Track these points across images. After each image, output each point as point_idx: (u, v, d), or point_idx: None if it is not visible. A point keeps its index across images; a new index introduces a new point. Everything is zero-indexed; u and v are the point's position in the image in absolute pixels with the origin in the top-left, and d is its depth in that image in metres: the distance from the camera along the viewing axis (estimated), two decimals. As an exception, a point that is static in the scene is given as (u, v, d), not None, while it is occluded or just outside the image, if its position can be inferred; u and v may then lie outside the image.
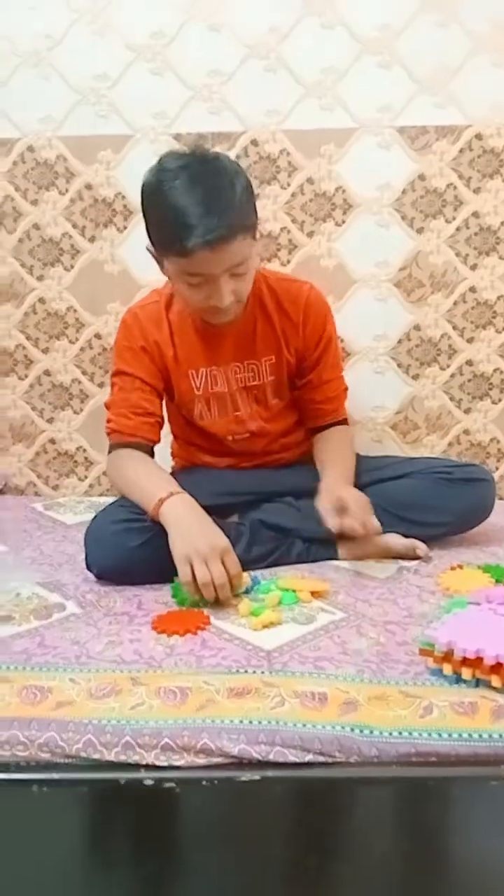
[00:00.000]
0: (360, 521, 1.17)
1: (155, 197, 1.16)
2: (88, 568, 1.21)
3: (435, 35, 1.55)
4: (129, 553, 1.17)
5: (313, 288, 1.38)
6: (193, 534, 1.12)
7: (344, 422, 1.43)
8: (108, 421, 1.32)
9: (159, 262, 1.22)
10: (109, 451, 1.32)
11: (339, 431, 1.41)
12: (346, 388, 1.44)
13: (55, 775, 0.84)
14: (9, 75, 1.60)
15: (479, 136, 1.58)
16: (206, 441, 1.39)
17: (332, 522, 1.17)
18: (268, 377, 1.36)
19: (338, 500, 1.19)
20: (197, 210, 1.10)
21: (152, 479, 1.23)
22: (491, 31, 1.55)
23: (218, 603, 1.10)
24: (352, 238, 1.63)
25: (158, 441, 1.33)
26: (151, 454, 1.31)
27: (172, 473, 1.47)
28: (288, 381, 1.38)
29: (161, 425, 1.34)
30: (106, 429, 1.33)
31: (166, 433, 1.69)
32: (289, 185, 1.60)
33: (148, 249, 1.23)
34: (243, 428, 1.37)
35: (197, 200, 1.11)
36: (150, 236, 1.21)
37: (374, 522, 1.19)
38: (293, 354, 1.36)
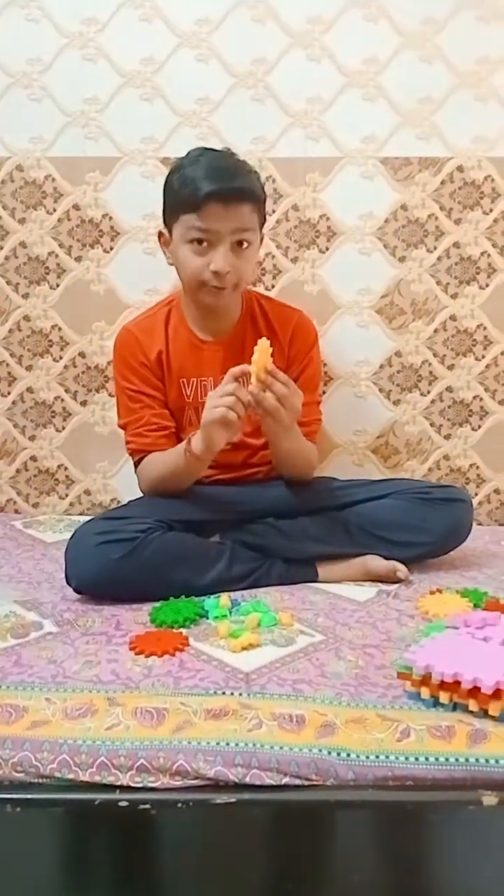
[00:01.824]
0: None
1: (176, 171, 1.29)
2: (68, 581, 1.21)
3: (419, 70, 1.59)
4: (110, 565, 1.17)
5: (304, 315, 1.45)
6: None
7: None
8: (128, 442, 1.38)
9: (166, 243, 1.33)
10: (135, 468, 1.38)
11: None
12: (319, 419, 1.45)
13: (29, 795, 0.83)
14: (-1, 96, 1.62)
15: (460, 169, 1.62)
16: None
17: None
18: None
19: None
20: (214, 171, 1.24)
21: (170, 452, 1.31)
22: (473, 66, 1.59)
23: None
24: (335, 265, 1.65)
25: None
26: None
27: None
28: None
29: (176, 433, 1.39)
30: (127, 449, 1.39)
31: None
32: (274, 211, 1.62)
33: (159, 235, 1.35)
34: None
35: (216, 165, 1.25)
36: (163, 214, 1.32)
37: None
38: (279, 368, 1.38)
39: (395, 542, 1.30)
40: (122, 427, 1.40)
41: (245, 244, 1.27)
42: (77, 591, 1.21)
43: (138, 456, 1.37)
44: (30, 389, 1.72)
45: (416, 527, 1.31)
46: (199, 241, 1.25)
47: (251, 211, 1.26)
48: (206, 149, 1.32)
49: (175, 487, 1.31)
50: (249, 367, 1.18)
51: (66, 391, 1.71)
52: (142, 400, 1.37)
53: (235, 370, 1.19)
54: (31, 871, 0.87)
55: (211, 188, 1.22)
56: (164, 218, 1.32)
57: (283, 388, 1.18)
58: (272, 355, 1.31)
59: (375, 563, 1.30)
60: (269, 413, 1.19)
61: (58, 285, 1.68)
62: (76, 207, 1.65)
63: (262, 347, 1.18)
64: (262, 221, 1.33)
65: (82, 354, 1.70)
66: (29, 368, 1.71)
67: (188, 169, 1.26)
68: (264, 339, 1.19)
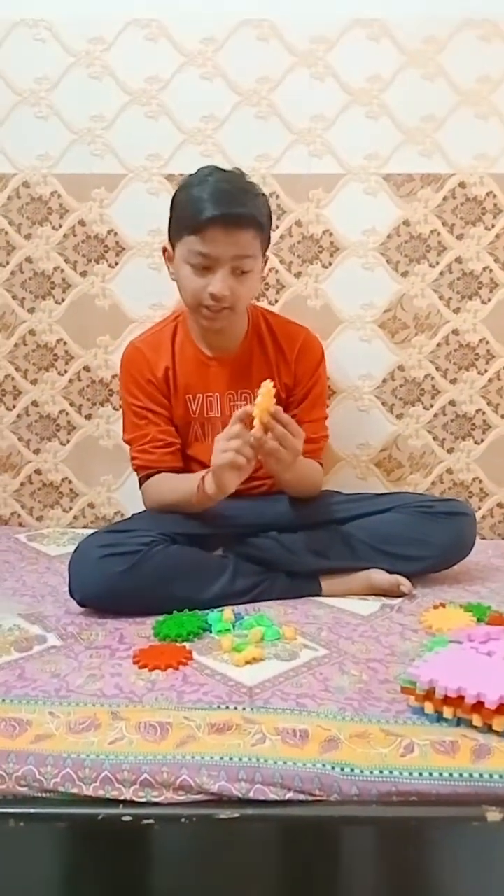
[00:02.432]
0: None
1: (183, 189, 1.29)
2: (72, 594, 1.21)
3: (421, 87, 1.61)
4: (114, 579, 1.17)
5: (310, 332, 1.45)
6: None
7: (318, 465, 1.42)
8: (133, 458, 1.39)
9: (170, 259, 1.33)
10: (140, 485, 1.39)
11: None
12: (326, 436, 1.46)
13: (32, 809, 0.83)
14: (7, 113, 1.64)
15: (462, 185, 1.63)
16: (195, 469, 1.39)
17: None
18: None
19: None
20: (219, 195, 1.24)
21: (182, 480, 1.32)
22: (474, 85, 1.61)
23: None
24: (338, 280, 1.66)
25: (181, 466, 1.39)
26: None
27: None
28: None
29: (182, 449, 1.40)
30: (132, 465, 1.40)
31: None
32: (277, 227, 1.63)
33: (163, 250, 1.36)
34: None
35: (221, 189, 1.25)
36: (168, 230, 1.32)
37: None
38: (283, 388, 1.39)
39: (398, 556, 1.30)
40: (128, 442, 1.41)
41: (246, 265, 1.27)
42: (81, 604, 1.21)
43: (144, 472, 1.37)
44: (35, 403, 1.73)
45: (419, 541, 1.31)
46: (200, 264, 1.26)
47: (253, 237, 1.26)
48: (217, 168, 1.32)
49: (180, 513, 1.31)
50: (253, 409, 1.17)
51: (71, 405, 1.72)
52: (147, 416, 1.37)
53: (240, 412, 1.19)
54: (34, 886, 0.87)
55: (213, 213, 1.21)
56: (170, 234, 1.33)
57: (284, 430, 1.18)
58: (279, 376, 1.33)
59: (379, 577, 1.30)
60: (270, 455, 1.19)
61: (63, 300, 1.69)
62: (82, 223, 1.66)
63: (266, 390, 1.17)
64: (266, 246, 1.32)
65: (87, 368, 1.71)
66: (34, 382, 1.72)
67: (195, 188, 1.26)
68: (268, 381, 1.19)
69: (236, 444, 1.17)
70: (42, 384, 1.72)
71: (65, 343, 1.70)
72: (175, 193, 1.32)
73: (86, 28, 1.61)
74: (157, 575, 1.19)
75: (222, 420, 1.38)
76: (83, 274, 1.68)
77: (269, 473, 1.40)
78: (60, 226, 1.67)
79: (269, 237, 1.34)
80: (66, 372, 1.71)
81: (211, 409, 1.39)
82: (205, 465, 1.39)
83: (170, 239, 1.33)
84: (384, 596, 1.29)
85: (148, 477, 1.37)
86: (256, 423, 1.17)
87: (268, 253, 1.35)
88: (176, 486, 1.32)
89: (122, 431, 1.44)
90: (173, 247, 1.32)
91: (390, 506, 1.36)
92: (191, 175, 1.32)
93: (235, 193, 1.25)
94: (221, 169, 1.32)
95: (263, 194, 1.33)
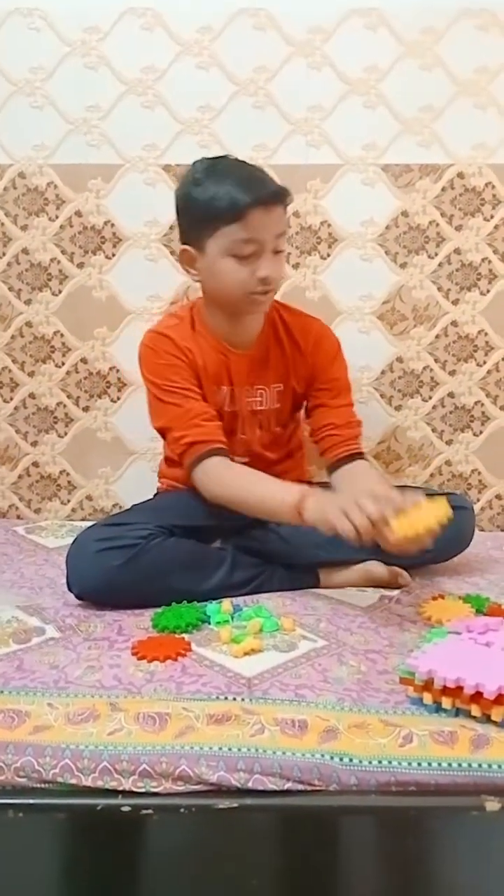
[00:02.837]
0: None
1: (196, 187, 1.25)
2: (69, 588, 1.21)
3: (419, 77, 1.60)
4: (112, 572, 1.17)
5: (324, 324, 1.43)
6: (335, 500, 1.12)
7: (364, 457, 1.37)
8: (180, 438, 1.26)
9: (191, 261, 1.28)
10: (192, 468, 1.26)
11: (368, 466, 1.37)
12: (360, 421, 1.41)
13: (31, 800, 0.83)
14: (2, 103, 1.63)
15: (460, 175, 1.63)
16: None
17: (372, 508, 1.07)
18: (274, 404, 1.38)
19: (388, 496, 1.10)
20: (247, 180, 1.22)
21: (274, 488, 1.22)
22: (473, 75, 1.60)
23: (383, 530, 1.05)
24: (336, 271, 1.66)
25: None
26: (230, 456, 1.28)
27: (157, 494, 1.48)
28: (291, 410, 1.41)
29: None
30: (178, 448, 1.27)
31: (157, 452, 1.70)
32: (275, 217, 1.62)
33: (182, 252, 1.30)
34: (245, 450, 1.38)
35: (245, 174, 1.24)
36: (187, 231, 1.28)
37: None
38: (301, 382, 1.38)
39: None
40: (165, 428, 1.31)
41: (282, 242, 1.26)
42: (79, 597, 1.21)
43: (199, 450, 1.25)
44: (32, 395, 1.72)
45: None
46: (245, 251, 1.22)
47: (283, 212, 1.26)
48: (213, 159, 1.29)
49: (246, 512, 1.24)
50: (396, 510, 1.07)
51: (69, 397, 1.72)
52: (184, 394, 1.29)
53: (390, 503, 1.07)
54: (33, 877, 0.87)
55: (252, 196, 1.19)
56: (189, 235, 1.28)
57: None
58: (294, 370, 1.34)
59: (377, 568, 1.30)
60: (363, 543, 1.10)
61: (60, 291, 1.68)
62: (78, 214, 1.65)
63: (440, 513, 1.08)
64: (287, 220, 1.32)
65: (84, 360, 1.70)
66: (31, 374, 1.71)
67: (212, 182, 1.22)
68: (445, 503, 1.10)
69: (363, 526, 1.05)
70: (39, 376, 1.71)
71: (62, 335, 1.69)
72: (184, 194, 1.27)
73: (81, 17, 1.60)
74: (155, 568, 1.19)
75: (239, 415, 1.37)
76: (80, 265, 1.67)
77: (277, 472, 1.39)
78: (57, 217, 1.66)
79: None
80: (63, 364, 1.71)
81: (225, 403, 1.36)
82: None
83: (191, 240, 1.27)
84: (382, 587, 1.29)
85: (202, 456, 1.25)
86: (407, 531, 1.06)
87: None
88: (256, 488, 1.22)
89: (153, 422, 1.34)
90: (201, 246, 1.26)
91: None
92: (192, 173, 1.27)
93: (255, 172, 1.26)
94: (219, 158, 1.30)
95: None
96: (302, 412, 1.45)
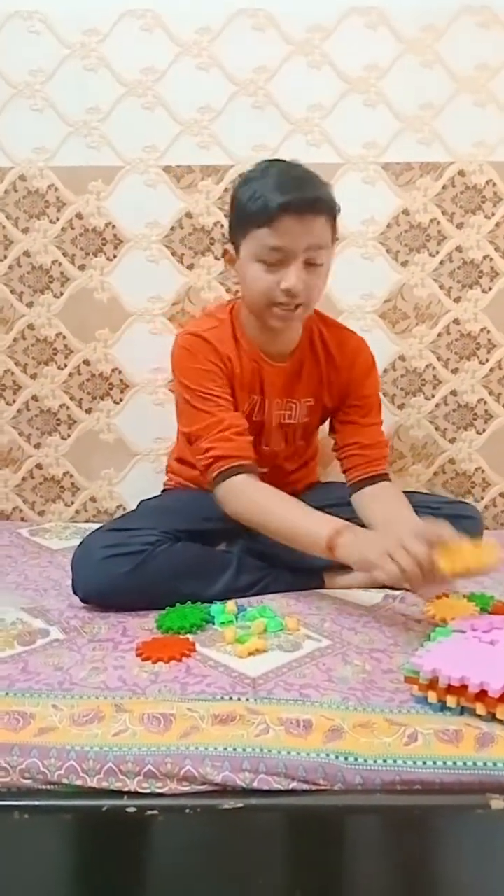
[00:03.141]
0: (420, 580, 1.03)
1: (244, 184, 1.21)
2: (75, 592, 1.21)
3: (419, 75, 1.60)
4: (117, 579, 1.17)
5: (362, 339, 1.39)
6: (376, 540, 1.06)
7: (389, 477, 1.34)
8: (208, 450, 1.22)
9: (231, 261, 1.26)
10: (217, 483, 1.21)
11: (393, 488, 1.32)
12: (387, 442, 1.39)
13: (37, 802, 0.83)
14: (2, 106, 1.63)
15: (461, 173, 1.62)
16: None
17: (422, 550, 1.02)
18: (303, 418, 1.36)
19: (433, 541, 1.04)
20: (286, 182, 1.16)
21: (305, 519, 1.16)
22: (473, 72, 1.60)
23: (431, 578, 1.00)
24: (338, 270, 1.63)
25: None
26: (258, 474, 1.24)
27: (165, 491, 1.48)
28: (318, 424, 1.40)
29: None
30: (204, 460, 1.22)
31: (160, 453, 1.70)
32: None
33: (224, 252, 1.28)
34: (266, 461, 1.35)
35: (287, 177, 1.17)
36: (230, 229, 1.25)
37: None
38: (333, 398, 1.36)
39: None
40: (194, 435, 1.25)
41: (319, 256, 1.18)
42: (84, 601, 1.21)
43: (223, 467, 1.20)
44: (35, 397, 1.72)
45: None
46: (272, 259, 1.17)
47: (325, 224, 1.18)
48: (274, 160, 1.25)
49: (271, 536, 1.20)
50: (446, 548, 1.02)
51: (72, 399, 1.72)
52: (218, 402, 1.25)
53: (438, 542, 1.01)
54: (39, 878, 0.87)
55: (284, 199, 1.13)
56: (231, 233, 1.25)
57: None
58: (328, 385, 1.31)
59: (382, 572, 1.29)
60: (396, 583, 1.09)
61: (62, 294, 1.68)
62: (79, 216, 1.66)
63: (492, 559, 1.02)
64: (335, 237, 1.24)
65: (87, 362, 1.70)
66: (34, 377, 1.72)
67: (257, 182, 1.18)
68: (495, 547, 1.04)
69: (411, 570, 1.00)
70: (42, 378, 1.72)
71: (64, 337, 1.70)
72: (234, 190, 1.24)
73: (80, 19, 1.60)
74: (162, 574, 1.19)
75: (266, 426, 1.35)
76: (81, 267, 1.67)
77: (294, 479, 1.42)
78: (58, 219, 1.66)
79: (337, 229, 1.24)
80: (65, 366, 1.71)
81: (257, 413, 1.33)
82: None
83: (232, 239, 1.25)
84: (386, 587, 1.29)
85: (229, 473, 1.20)
86: (456, 569, 1.01)
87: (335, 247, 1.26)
88: (286, 515, 1.17)
89: (181, 426, 1.32)
90: (237, 246, 1.23)
91: None
92: (249, 170, 1.24)
93: (303, 178, 1.18)
94: (279, 160, 1.25)
95: (328, 183, 1.23)
96: (325, 424, 1.43)
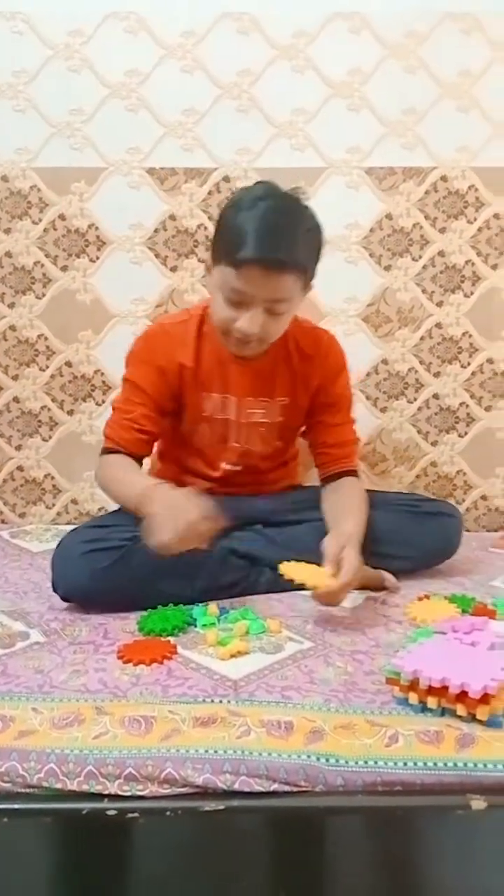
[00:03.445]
0: (338, 591, 1.15)
1: (231, 210, 1.19)
2: (55, 590, 1.20)
3: (402, 80, 1.61)
4: (97, 574, 1.16)
5: (333, 337, 1.40)
6: (172, 502, 1.12)
7: (354, 473, 1.38)
8: (109, 426, 1.32)
9: (208, 270, 1.27)
10: (102, 453, 1.32)
11: (351, 484, 1.36)
12: (357, 440, 1.41)
13: (16, 805, 0.83)
14: (-16, 107, 1.63)
15: (444, 178, 1.64)
16: (196, 463, 1.38)
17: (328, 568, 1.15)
18: (276, 417, 1.36)
19: (340, 556, 1.15)
20: (263, 232, 1.14)
21: (137, 477, 1.26)
22: (456, 78, 1.62)
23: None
24: (321, 274, 1.63)
25: (148, 455, 1.35)
26: (140, 464, 1.32)
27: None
28: (296, 425, 1.40)
29: (155, 441, 1.35)
30: (105, 428, 1.33)
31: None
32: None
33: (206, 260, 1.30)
34: (238, 459, 1.36)
35: (267, 226, 1.14)
36: (212, 244, 1.25)
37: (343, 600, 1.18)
38: (308, 395, 1.36)
39: (382, 555, 1.29)
40: (113, 407, 1.34)
41: (281, 307, 1.20)
42: (64, 599, 1.20)
43: (109, 445, 1.31)
44: (16, 399, 1.71)
45: (402, 540, 1.31)
46: (233, 298, 1.18)
47: (293, 281, 1.18)
48: (271, 191, 1.20)
49: (114, 499, 1.29)
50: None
51: (53, 400, 1.71)
52: (142, 397, 1.30)
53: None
54: (19, 882, 0.86)
55: (254, 254, 1.12)
56: (211, 249, 1.25)
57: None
58: (303, 385, 1.34)
59: (363, 571, 1.29)
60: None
61: (44, 295, 1.67)
62: (62, 217, 1.65)
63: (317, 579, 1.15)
64: (309, 283, 1.23)
65: (69, 364, 1.69)
66: (15, 378, 1.71)
67: (243, 215, 1.15)
68: (326, 576, 1.14)
69: (174, 546, 1.09)
70: (23, 380, 1.70)
71: (46, 338, 1.69)
72: (224, 209, 1.21)
73: (64, 20, 1.60)
74: (142, 570, 1.19)
75: (235, 424, 1.35)
76: (64, 269, 1.67)
77: (270, 479, 1.43)
78: (40, 220, 1.65)
79: (314, 272, 1.23)
80: (47, 367, 1.70)
81: (225, 411, 1.34)
82: (203, 461, 1.38)
83: (211, 256, 1.25)
84: (369, 589, 1.29)
85: (109, 451, 1.31)
86: (291, 574, 1.16)
87: (312, 282, 1.25)
88: (124, 477, 1.26)
89: (110, 411, 1.37)
90: (213, 260, 1.23)
91: (376, 503, 1.35)
92: (245, 191, 1.23)
93: (282, 231, 1.15)
94: (276, 192, 1.20)
95: (316, 227, 1.21)
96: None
